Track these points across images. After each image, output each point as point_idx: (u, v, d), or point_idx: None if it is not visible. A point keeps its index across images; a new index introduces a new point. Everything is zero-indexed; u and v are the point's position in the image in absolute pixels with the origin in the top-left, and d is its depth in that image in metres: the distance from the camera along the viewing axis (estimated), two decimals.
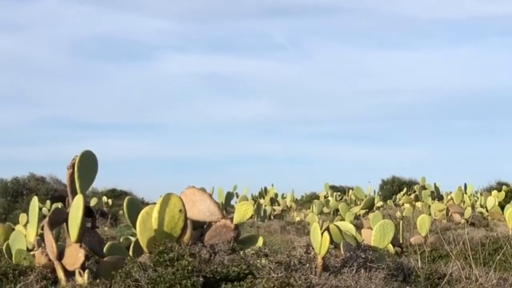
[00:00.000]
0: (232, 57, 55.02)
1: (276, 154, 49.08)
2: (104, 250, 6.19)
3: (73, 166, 5.73)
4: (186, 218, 5.93)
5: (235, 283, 5.24)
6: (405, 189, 25.52)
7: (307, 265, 5.90)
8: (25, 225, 9.49)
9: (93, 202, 20.59)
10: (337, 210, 19.75)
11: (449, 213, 18.57)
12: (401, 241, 9.88)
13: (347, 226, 7.62)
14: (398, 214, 18.71)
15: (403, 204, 22.48)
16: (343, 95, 53.14)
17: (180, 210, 5.84)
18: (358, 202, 21.81)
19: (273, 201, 25.05)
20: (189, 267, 5.15)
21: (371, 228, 8.01)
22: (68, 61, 52.76)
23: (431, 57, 53.27)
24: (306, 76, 53.57)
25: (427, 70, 54.05)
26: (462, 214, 17.82)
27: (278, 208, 24.02)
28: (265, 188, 26.55)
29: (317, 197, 26.42)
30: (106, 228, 17.84)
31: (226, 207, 18.69)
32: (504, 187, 22.31)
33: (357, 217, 18.32)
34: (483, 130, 50.29)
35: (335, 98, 53.41)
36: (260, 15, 58.36)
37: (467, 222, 16.51)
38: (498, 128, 48.19)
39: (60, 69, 52.21)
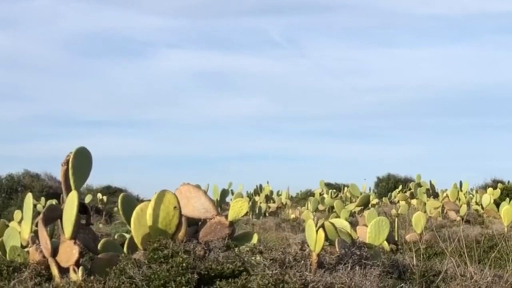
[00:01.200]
0: (228, 54, 55.00)
1: (272, 151, 49.06)
2: (99, 247, 6.18)
3: (67, 162, 5.71)
4: (180, 215, 5.92)
5: (230, 280, 5.23)
6: (400, 187, 25.55)
7: (302, 262, 5.89)
8: (19, 222, 9.46)
9: (87, 199, 20.54)
10: (332, 207, 19.76)
11: (445, 211, 18.60)
12: (396, 239, 9.89)
13: (342, 223, 7.62)
14: (393, 211, 18.72)
15: (398, 202, 22.52)
16: (338, 93, 53.18)
17: (175, 207, 5.83)
18: (354, 200, 21.82)
19: (268, 198, 25.03)
20: (184, 264, 5.13)
21: (366, 225, 8.00)
22: (63, 58, 52.82)
23: (427, 55, 53.40)
24: (302, 73, 53.55)
25: (423, 68, 54.21)
26: (457, 212, 17.85)
27: (273, 205, 24.01)
28: (260, 185, 26.54)
29: (312, 194, 26.42)
30: (100, 225, 17.81)
31: (221, 204, 18.70)
32: (499, 185, 22.41)
33: (352, 214, 18.33)
34: (479, 127, 50.40)
35: (331, 95, 53.49)
36: (255, 12, 58.35)
37: (463, 219, 16.55)
38: (494, 126, 48.24)
39: (54, 65, 52.09)
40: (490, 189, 20.96)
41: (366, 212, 12.09)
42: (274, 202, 24.81)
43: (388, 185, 27.62)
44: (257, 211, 19.94)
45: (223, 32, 55.62)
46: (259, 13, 58.20)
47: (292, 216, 20.07)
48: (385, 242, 8.30)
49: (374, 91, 52.05)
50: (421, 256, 7.75)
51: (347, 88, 53.47)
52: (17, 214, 13.06)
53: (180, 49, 54.34)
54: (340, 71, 54.02)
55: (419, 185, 22.40)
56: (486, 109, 50.42)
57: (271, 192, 25.84)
